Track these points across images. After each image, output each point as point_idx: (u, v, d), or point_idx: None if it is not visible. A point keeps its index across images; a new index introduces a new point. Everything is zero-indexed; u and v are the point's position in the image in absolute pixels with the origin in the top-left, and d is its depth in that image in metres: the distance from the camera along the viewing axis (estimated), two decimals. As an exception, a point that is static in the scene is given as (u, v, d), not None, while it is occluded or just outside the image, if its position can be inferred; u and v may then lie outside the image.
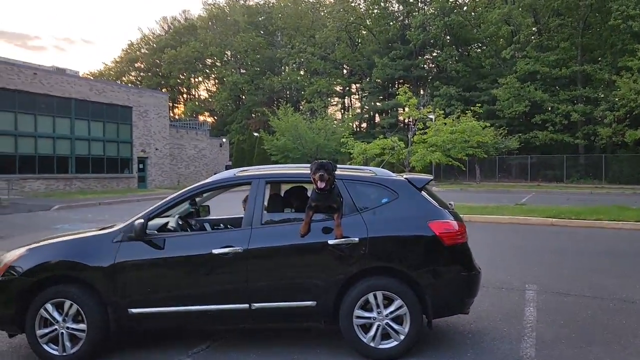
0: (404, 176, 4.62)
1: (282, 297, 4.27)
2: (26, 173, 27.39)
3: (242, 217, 4.58)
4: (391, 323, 4.24)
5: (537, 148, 43.12)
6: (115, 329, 4.31)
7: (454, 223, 4.37)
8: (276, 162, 43.27)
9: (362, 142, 18.70)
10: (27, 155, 27.63)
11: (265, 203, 4.63)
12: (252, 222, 4.39)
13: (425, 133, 16.88)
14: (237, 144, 47.71)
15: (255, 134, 47.08)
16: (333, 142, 39.04)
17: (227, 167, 45.15)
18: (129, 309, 4.28)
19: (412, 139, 17.11)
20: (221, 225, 5.83)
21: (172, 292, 4.30)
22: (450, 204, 4.92)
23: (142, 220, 4.27)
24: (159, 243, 4.35)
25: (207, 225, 5.80)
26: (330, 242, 4.22)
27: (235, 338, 4.82)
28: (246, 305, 4.26)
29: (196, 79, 72.38)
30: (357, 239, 4.22)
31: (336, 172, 4.43)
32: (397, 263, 4.25)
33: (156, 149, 35.36)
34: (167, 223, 4.85)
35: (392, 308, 4.23)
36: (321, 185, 4.27)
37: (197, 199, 5.57)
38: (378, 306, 4.24)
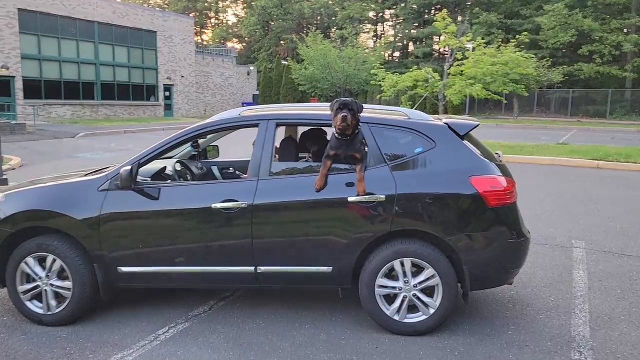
0: (444, 120, 3.80)
1: (292, 261, 3.65)
2: (52, 99, 27.21)
3: None
4: (420, 294, 3.60)
5: (579, 82, 40.61)
6: (105, 289, 3.81)
7: (502, 179, 3.60)
8: (304, 92, 42.12)
9: (394, 73, 17.46)
10: (52, 80, 27.31)
11: (277, 149, 3.93)
12: (259, 172, 3.70)
13: (463, 64, 15.55)
14: (265, 73, 46.41)
15: (284, 62, 45.61)
16: (363, 72, 37.43)
17: (254, 97, 44.25)
18: (119, 268, 3.74)
19: (448, 70, 15.81)
20: (231, 169, 5.19)
21: (166, 250, 3.72)
22: (497, 153, 4.11)
23: (128, 168, 3.62)
24: (152, 193, 3.73)
25: (214, 169, 5.17)
26: (351, 199, 3.53)
27: (241, 299, 4.29)
28: (251, 268, 3.67)
29: (224, 2, 69.90)
30: (383, 196, 3.50)
31: (361, 114, 3.66)
32: (430, 226, 3.53)
33: (182, 76, 34.61)
34: (164, 168, 4.20)
35: (421, 277, 3.57)
36: (343, 128, 3.51)
37: (201, 141, 4.90)
38: (405, 275, 3.58)
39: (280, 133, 4.50)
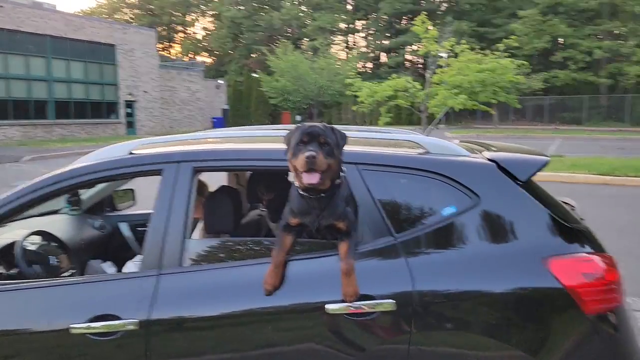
0: (489, 155, 2.18)
1: None
2: (-2, 119, 24.90)
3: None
4: None
5: (554, 89, 40.12)
6: None
7: (598, 260, 2.00)
8: (275, 105, 40.51)
9: (371, 82, 16.07)
10: (-2, 99, 25.02)
11: (194, 212, 2.25)
12: (163, 258, 2.03)
13: (445, 72, 14.19)
14: (235, 86, 44.68)
15: (254, 75, 44.03)
16: (337, 84, 36.12)
17: (224, 112, 42.41)
18: None
19: (430, 79, 14.43)
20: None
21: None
22: (566, 203, 2.51)
23: None
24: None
25: (124, 228, 3.46)
26: (332, 307, 1.88)
27: None
28: None
29: (191, 16, 68.00)
30: (391, 301, 1.87)
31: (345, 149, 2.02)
32: (479, 359, 1.91)
33: (144, 92, 32.56)
34: (8, 247, 2.48)
35: None
36: (311, 179, 1.85)
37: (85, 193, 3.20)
38: None
39: (216, 180, 2.84)
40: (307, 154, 1.79)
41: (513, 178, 2.06)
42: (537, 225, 2.01)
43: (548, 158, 2.16)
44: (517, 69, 18.66)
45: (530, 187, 2.16)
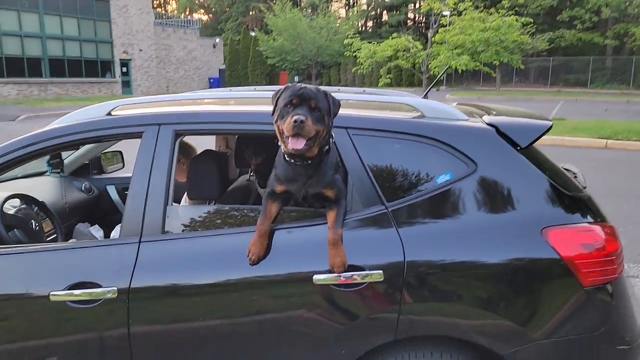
0: (488, 119, 2.06)
1: (208, 399, 1.93)
2: (-8, 77, 24.52)
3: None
4: None
5: (558, 50, 39.35)
6: None
7: (599, 230, 1.92)
8: (273, 66, 39.85)
9: (370, 42, 15.62)
10: (-9, 56, 24.55)
11: (178, 176, 2.16)
12: (143, 225, 1.94)
13: (448, 31, 13.78)
14: (231, 46, 43.80)
15: (252, 34, 43.09)
16: (336, 44, 35.37)
17: (221, 71, 41.74)
18: None
19: (432, 38, 14.04)
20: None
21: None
22: (568, 170, 2.41)
23: None
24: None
25: (112, 191, 3.37)
26: (319, 277, 1.81)
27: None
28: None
29: (188, -29, 66.05)
30: (379, 271, 1.80)
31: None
32: (471, 328, 1.85)
33: (140, 50, 31.93)
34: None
35: (455, 422, 1.90)
36: (297, 145, 1.73)
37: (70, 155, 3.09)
38: (425, 417, 1.91)
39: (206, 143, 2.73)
40: (295, 117, 1.67)
41: (513, 144, 1.95)
42: (536, 194, 1.91)
43: (551, 123, 2.04)
44: (522, 28, 18.19)
45: (531, 154, 2.05)
